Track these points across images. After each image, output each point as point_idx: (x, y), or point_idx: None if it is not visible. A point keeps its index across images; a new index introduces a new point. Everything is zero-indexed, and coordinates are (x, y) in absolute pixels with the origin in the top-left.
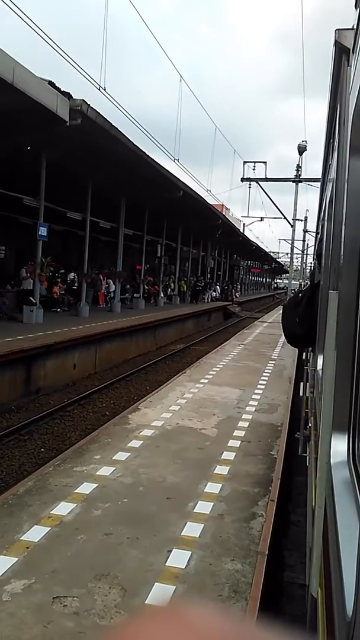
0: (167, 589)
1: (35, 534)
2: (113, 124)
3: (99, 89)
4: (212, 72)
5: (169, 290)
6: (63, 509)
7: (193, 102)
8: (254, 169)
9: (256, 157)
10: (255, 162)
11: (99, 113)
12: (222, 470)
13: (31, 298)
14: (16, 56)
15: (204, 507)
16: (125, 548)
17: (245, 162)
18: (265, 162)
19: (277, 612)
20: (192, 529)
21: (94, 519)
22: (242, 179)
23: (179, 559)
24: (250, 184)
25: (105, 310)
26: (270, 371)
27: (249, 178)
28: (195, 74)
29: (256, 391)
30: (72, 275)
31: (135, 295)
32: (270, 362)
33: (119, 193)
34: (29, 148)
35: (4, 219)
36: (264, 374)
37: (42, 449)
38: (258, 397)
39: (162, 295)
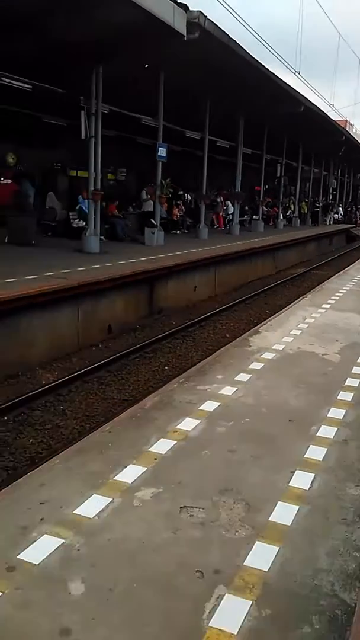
0: (290, 508)
1: (163, 446)
2: (231, 36)
3: None
4: None
5: (289, 212)
6: (188, 424)
7: (315, 8)
8: None
9: None
10: None
11: (216, 25)
12: (346, 396)
13: (152, 220)
14: None
15: (327, 431)
16: (249, 466)
17: None
18: None
19: None
20: (316, 452)
21: (217, 435)
22: None
23: (302, 480)
24: None
25: (224, 232)
26: None
27: None
28: None
29: None
30: (187, 196)
31: (254, 217)
32: None
33: (238, 110)
34: (146, 66)
35: (124, 140)
36: None
37: (166, 367)
38: None
39: (281, 217)
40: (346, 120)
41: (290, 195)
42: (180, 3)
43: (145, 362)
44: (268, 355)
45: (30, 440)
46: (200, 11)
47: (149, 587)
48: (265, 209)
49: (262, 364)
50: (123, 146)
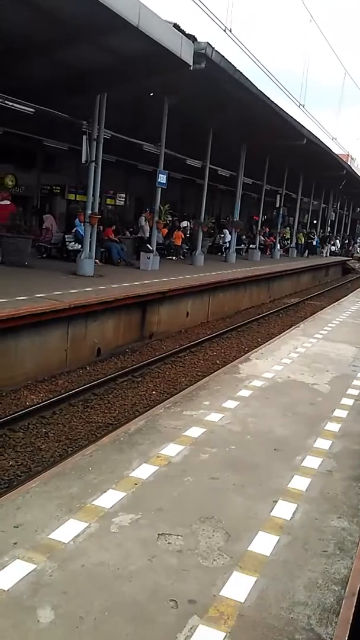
0: (270, 538)
1: (144, 471)
2: (237, 68)
3: (225, 31)
4: (344, 8)
5: (286, 242)
6: (171, 450)
7: (322, 44)
8: None
9: None
10: None
11: (223, 57)
12: (333, 427)
13: (148, 245)
14: None
15: (312, 461)
16: (231, 494)
17: None
18: None
19: None
20: (299, 482)
21: (201, 462)
22: None
23: (284, 510)
24: None
25: (220, 260)
26: None
27: None
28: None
29: None
30: (185, 223)
31: (250, 246)
32: None
33: (240, 140)
34: (151, 94)
35: (125, 166)
36: None
37: (154, 392)
38: None
39: (278, 247)
40: (348, 154)
41: (288, 225)
42: (188, 34)
43: (133, 386)
44: (257, 383)
45: (10, 463)
46: (207, 42)
47: (121, 615)
48: (262, 238)
49: (251, 392)
50: (123, 171)
